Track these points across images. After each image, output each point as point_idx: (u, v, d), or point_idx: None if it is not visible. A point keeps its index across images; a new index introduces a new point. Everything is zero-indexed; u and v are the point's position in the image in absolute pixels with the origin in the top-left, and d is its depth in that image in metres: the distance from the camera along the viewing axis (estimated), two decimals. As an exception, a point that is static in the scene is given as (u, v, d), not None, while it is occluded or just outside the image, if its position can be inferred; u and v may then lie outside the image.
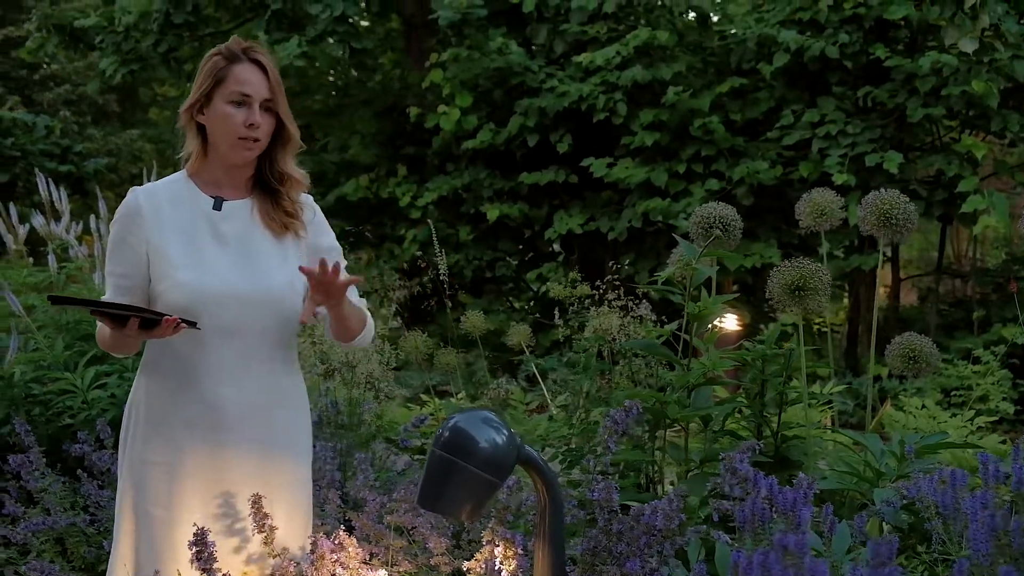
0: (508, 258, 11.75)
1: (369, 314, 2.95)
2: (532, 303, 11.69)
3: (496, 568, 2.69)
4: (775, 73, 10.04)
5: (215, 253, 2.78)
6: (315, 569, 2.71)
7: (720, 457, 2.89)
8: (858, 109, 9.79)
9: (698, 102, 10.00)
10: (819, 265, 3.62)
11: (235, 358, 2.76)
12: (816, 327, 10.59)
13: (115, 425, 3.03)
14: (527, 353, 6.32)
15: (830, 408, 5.44)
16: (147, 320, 2.56)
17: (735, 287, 10.49)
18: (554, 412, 5.69)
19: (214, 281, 2.74)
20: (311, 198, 2.99)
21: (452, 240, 11.81)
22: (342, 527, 3.00)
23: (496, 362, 9.63)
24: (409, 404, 7.11)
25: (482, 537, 2.86)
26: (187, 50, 13.75)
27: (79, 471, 4.70)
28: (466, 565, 2.82)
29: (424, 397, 6.68)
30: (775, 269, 3.68)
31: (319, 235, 2.94)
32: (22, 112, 16.67)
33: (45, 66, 27.78)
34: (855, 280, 10.62)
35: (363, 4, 11.32)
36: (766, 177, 9.63)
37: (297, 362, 2.96)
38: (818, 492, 3.70)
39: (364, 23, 14.17)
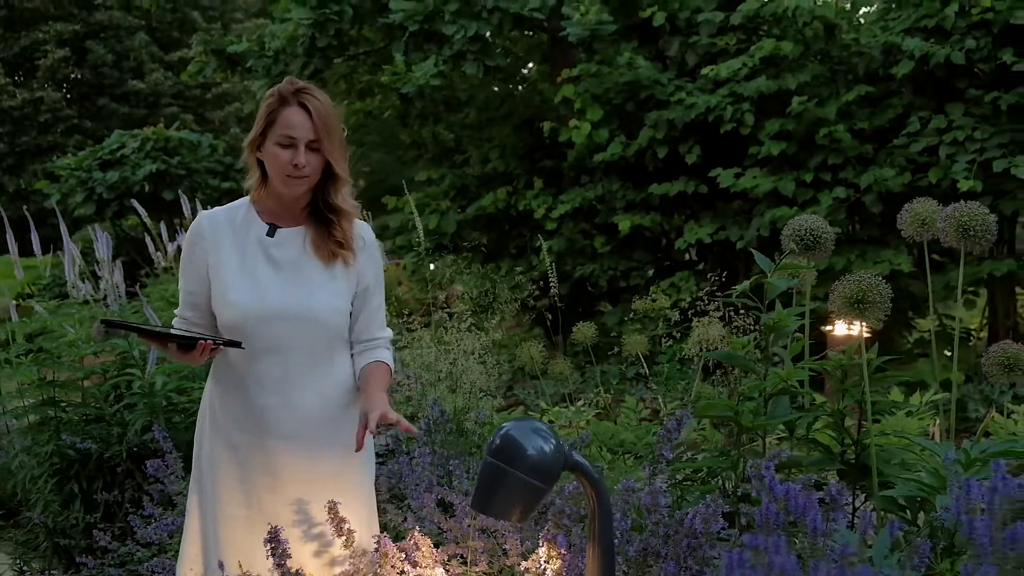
0: (644, 267, 11.84)
1: (390, 357, 3.19)
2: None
3: (542, 567, 2.87)
4: (902, 80, 9.90)
5: (267, 276, 3.02)
6: (379, 567, 2.90)
7: (749, 464, 3.00)
8: (993, 113, 9.59)
9: (824, 111, 9.93)
10: (879, 279, 3.69)
11: (281, 372, 2.99)
12: (950, 332, 10.41)
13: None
14: (643, 362, 6.48)
15: (931, 416, 5.45)
16: (186, 343, 2.84)
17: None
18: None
19: (262, 302, 2.98)
20: (367, 227, 3.21)
21: (588, 251, 11.95)
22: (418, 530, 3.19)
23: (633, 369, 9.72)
24: (531, 412, 7.29)
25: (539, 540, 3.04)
26: (341, 68, 14.22)
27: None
28: (523, 564, 2.98)
29: (544, 405, 6.87)
30: (837, 282, 3.75)
31: (367, 266, 3.14)
32: (188, 132, 17.39)
33: (216, 86, 28.99)
34: (992, 285, 10.39)
35: (496, 23, 11.53)
36: (894, 184, 9.49)
37: (352, 383, 3.15)
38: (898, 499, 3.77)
39: (509, 38, 14.41)
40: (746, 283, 4.05)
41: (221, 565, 2.99)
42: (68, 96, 29.86)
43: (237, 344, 2.96)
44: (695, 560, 2.90)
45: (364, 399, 2.97)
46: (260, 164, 3.05)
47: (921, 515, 3.69)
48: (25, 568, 5.95)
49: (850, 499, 3.97)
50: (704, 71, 10.78)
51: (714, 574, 2.90)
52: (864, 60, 10.34)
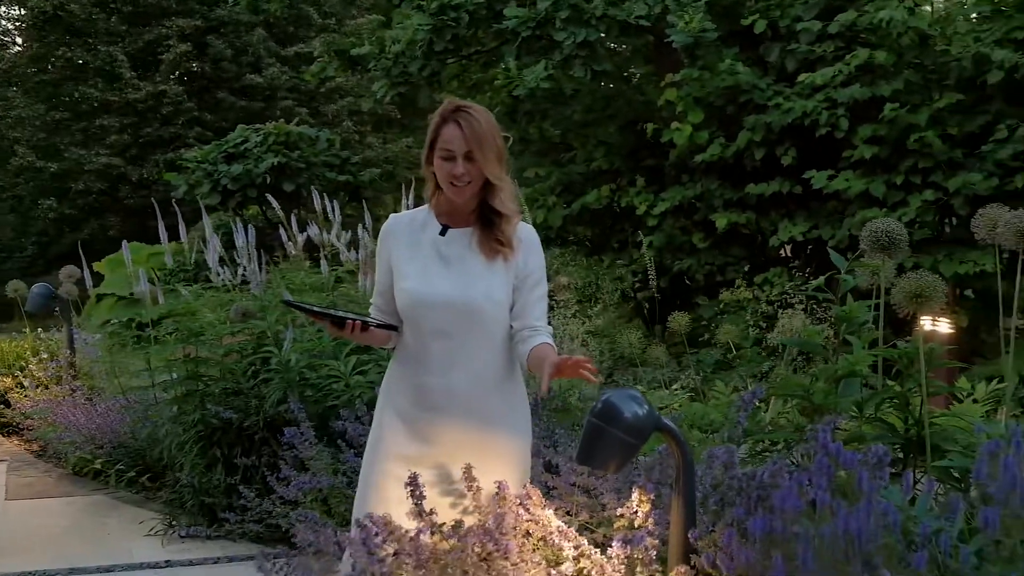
0: (740, 263, 12.31)
1: (552, 343, 3.45)
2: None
3: (633, 510, 3.42)
4: (992, 89, 10.26)
5: (436, 270, 3.44)
6: (499, 508, 3.46)
7: (808, 429, 3.53)
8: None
9: (916, 117, 10.31)
10: (936, 277, 4.17)
11: (443, 353, 3.41)
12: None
13: (371, 405, 3.77)
14: (734, 350, 6.99)
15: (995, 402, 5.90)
16: (340, 320, 3.40)
17: (958, 292, 10.74)
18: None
19: (429, 291, 3.41)
20: (529, 228, 3.58)
21: (686, 246, 12.45)
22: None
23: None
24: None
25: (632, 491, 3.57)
26: (453, 68, 14.88)
27: (340, 442, 5.58)
28: (619, 511, 3.53)
29: (641, 389, 7.39)
30: (899, 279, 4.24)
31: (526, 259, 3.49)
32: (306, 128, 18.03)
33: (330, 80, 29.66)
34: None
35: (604, 30, 12.08)
36: (982, 188, 9.86)
37: (511, 362, 3.51)
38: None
39: (615, 42, 14.90)
40: (821, 279, 4.56)
41: (370, 516, 3.27)
42: (189, 89, 30.63)
43: (391, 327, 3.48)
44: (763, 508, 3.44)
45: (546, 362, 3.22)
46: (434, 175, 3.44)
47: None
48: (174, 523, 6.57)
49: (904, 468, 4.45)
50: (801, 77, 11.21)
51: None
52: (956, 69, 10.69)
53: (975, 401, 5.82)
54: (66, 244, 30.20)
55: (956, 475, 4.27)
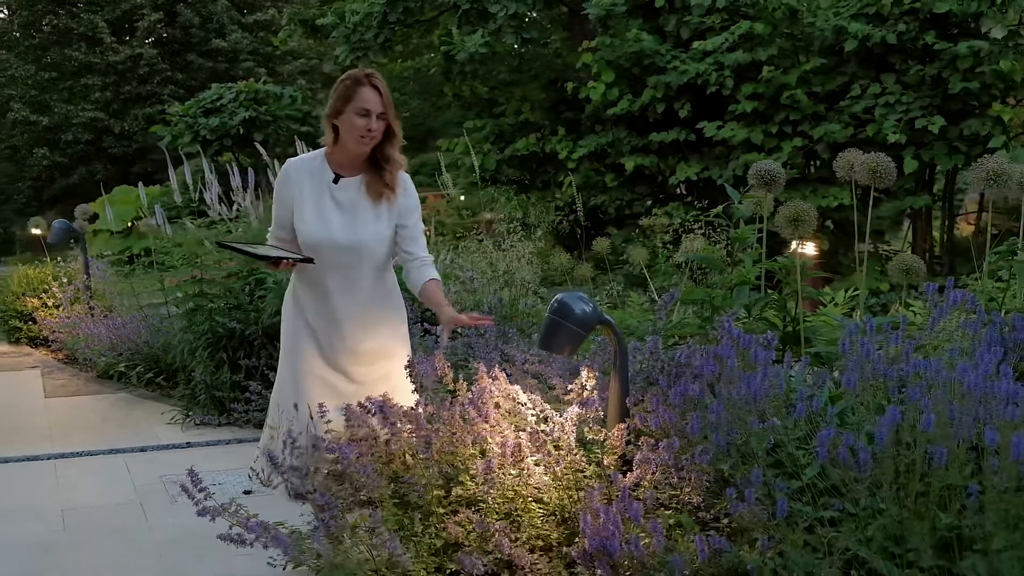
0: (644, 199, 12.79)
1: (437, 274, 3.63)
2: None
3: (583, 383, 3.82)
4: (849, 55, 10.76)
5: (332, 213, 3.52)
6: (479, 383, 3.83)
7: (716, 319, 3.96)
8: (918, 83, 10.45)
9: (787, 78, 10.81)
10: (809, 205, 4.57)
11: (338, 281, 3.58)
12: (883, 253, 11.32)
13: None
14: (644, 269, 7.37)
15: (852, 308, 6.39)
16: (276, 259, 3.52)
17: (826, 222, 11.31)
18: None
19: (328, 234, 3.51)
20: (407, 176, 3.66)
21: (600, 185, 12.88)
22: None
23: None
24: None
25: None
26: (399, 35, 15.04)
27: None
28: (570, 386, 3.91)
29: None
30: (781, 206, 4.64)
31: (406, 199, 3.61)
32: (273, 85, 18.02)
33: (284, 44, 29.40)
34: (914, 217, 11.28)
35: (529, 4, 12.37)
36: (840, 136, 10.42)
37: (391, 283, 3.72)
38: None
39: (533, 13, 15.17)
40: (720, 208, 4.95)
41: (296, 407, 3.59)
42: (162, 52, 30.30)
43: (310, 260, 3.51)
44: (689, 375, 3.85)
45: (441, 314, 3.49)
46: (334, 128, 3.50)
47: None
48: (190, 413, 6.75)
49: (785, 354, 4.90)
50: (695, 44, 11.62)
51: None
52: (819, 38, 11.21)
53: (836, 305, 6.30)
54: (57, 188, 29.88)
55: (823, 359, 4.72)
